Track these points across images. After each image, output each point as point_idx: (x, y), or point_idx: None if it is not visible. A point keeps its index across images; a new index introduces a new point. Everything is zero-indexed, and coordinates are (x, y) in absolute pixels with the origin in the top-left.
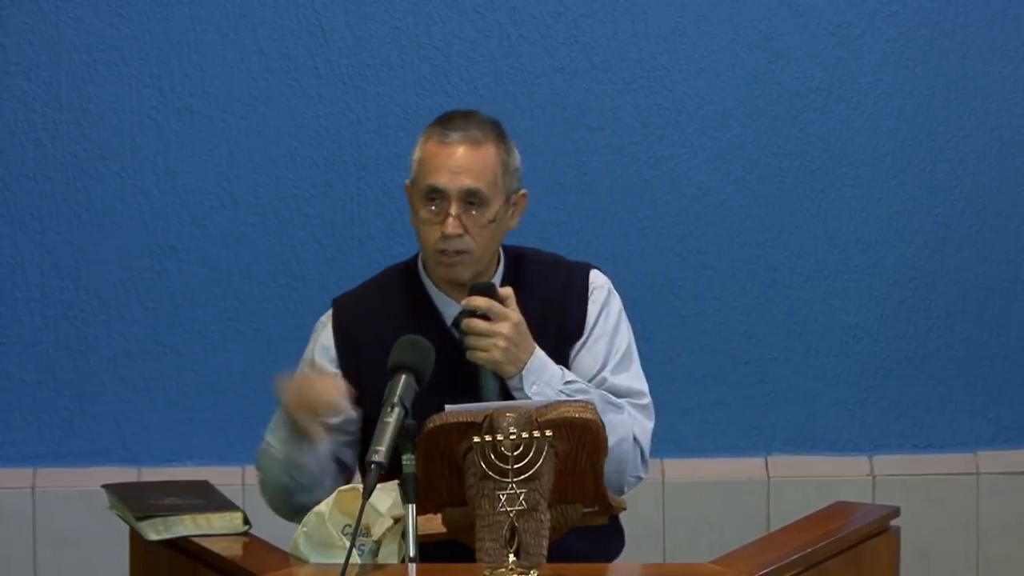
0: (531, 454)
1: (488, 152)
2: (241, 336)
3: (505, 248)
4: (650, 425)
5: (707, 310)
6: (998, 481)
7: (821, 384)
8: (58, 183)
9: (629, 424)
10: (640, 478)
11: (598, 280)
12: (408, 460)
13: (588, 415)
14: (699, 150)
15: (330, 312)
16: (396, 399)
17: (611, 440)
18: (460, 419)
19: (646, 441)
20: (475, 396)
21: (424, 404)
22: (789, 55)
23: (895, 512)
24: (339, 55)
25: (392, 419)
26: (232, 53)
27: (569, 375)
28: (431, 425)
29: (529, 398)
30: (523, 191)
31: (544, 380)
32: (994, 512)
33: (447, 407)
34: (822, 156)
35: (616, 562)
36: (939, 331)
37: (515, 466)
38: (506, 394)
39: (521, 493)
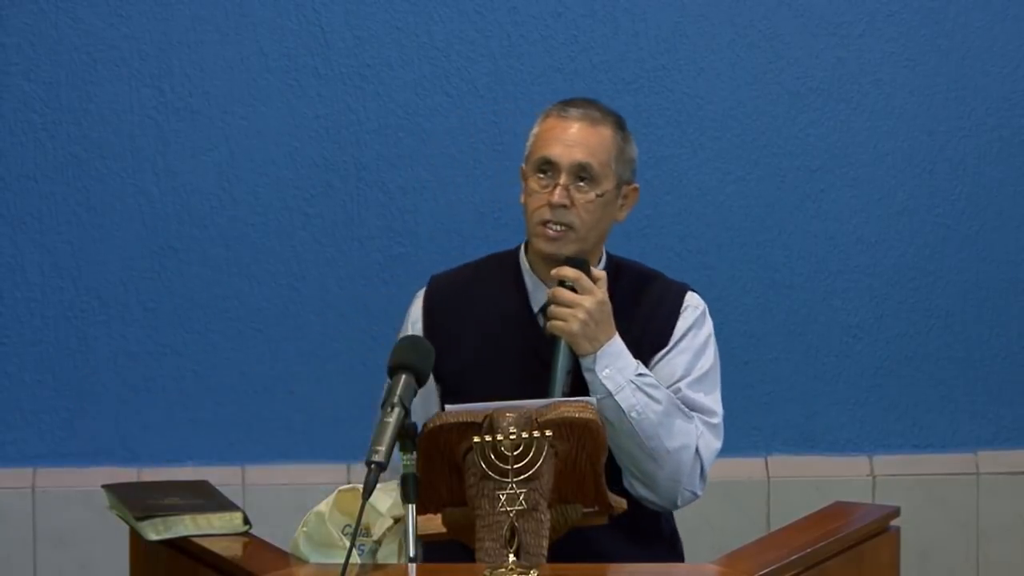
0: (531, 454)
1: (605, 133)
2: (241, 336)
3: (610, 253)
4: (716, 445)
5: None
6: (998, 481)
7: (821, 384)
8: (58, 183)
9: (695, 434)
10: (696, 495)
11: (693, 300)
12: (408, 460)
13: (588, 415)
14: (699, 150)
15: (426, 285)
16: (396, 399)
17: (672, 444)
18: (460, 419)
19: (708, 459)
20: (543, 386)
21: (489, 387)
22: (789, 55)
23: (895, 512)
24: (339, 55)
25: (392, 419)
26: (232, 53)
27: (643, 369)
28: (431, 425)
29: (600, 382)
30: (635, 185)
31: (617, 367)
32: (994, 512)
33: (447, 407)
34: (822, 156)
35: (616, 563)
36: (939, 331)
37: (515, 466)
38: (576, 376)
39: (521, 493)
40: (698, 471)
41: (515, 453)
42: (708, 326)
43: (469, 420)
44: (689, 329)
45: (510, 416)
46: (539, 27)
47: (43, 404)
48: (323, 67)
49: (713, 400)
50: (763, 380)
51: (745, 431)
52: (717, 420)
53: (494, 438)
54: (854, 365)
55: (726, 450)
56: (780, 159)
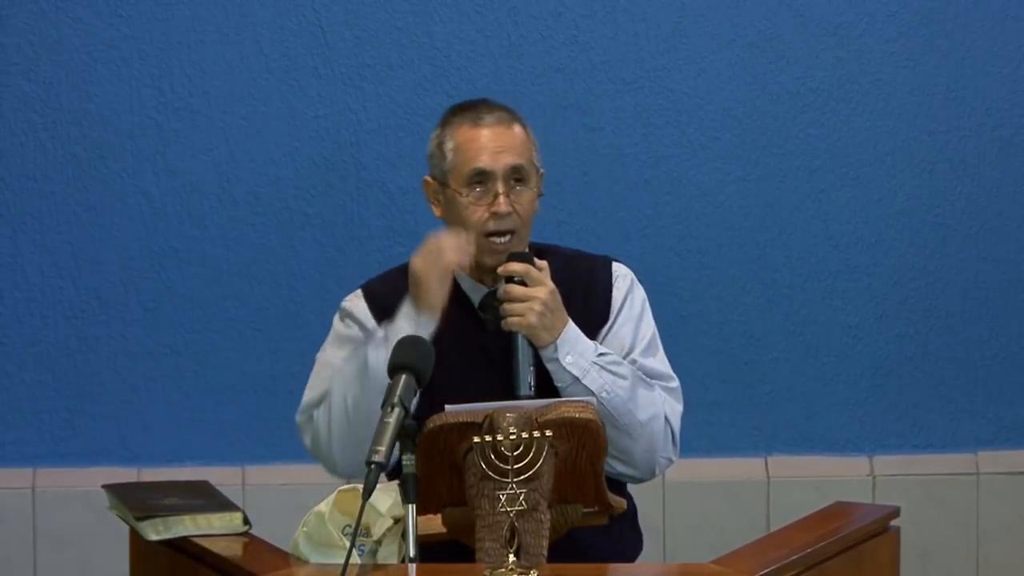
0: (531, 454)
1: (519, 130)
2: (241, 336)
3: (531, 241)
4: (679, 408)
5: (707, 310)
6: (998, 481)
7: (821, 384)
8: (58, 183)
9: (661, 402)
10: (671, 460)
11: (621, 270)
12: (408, 460)
13: (588, 415)
14: (699, 150)
15: (357, 292)
16: (396, 399)
17: (643, 416)
18: (460, 419)
19: (676, 423)
20: (503, 382)
21: (451, 391)
22: (789, 55)
23: (895, 512)
24: (339, 55)
25: (392, 419)
26: (232, 53)
27: (602, 348)
28: (431, 425)
29: (564, 369)
30: (542, 171)
31: (578, 351)
32: (994, 512)
33: (447, 407)
34: (822, 156)
35: (617, 562)
36: (939, 331)
37: (515, 466)
38: (539, 368)
39: (521, 493)
40: (670, 437)
41: (515, 453)
42: (640, 291)
43: (469, 420)
44: (625, 299)
45: (510, 416)
46: (539, 27)
47: (43, 404)
48: (323, 67)
49: (662, 363)
50: (763, 380)
51: (745, 431)
52: (675, 384)
53: (494, 438)
54: (854, 365)
55: (726, 450)
56: (780, 159)
